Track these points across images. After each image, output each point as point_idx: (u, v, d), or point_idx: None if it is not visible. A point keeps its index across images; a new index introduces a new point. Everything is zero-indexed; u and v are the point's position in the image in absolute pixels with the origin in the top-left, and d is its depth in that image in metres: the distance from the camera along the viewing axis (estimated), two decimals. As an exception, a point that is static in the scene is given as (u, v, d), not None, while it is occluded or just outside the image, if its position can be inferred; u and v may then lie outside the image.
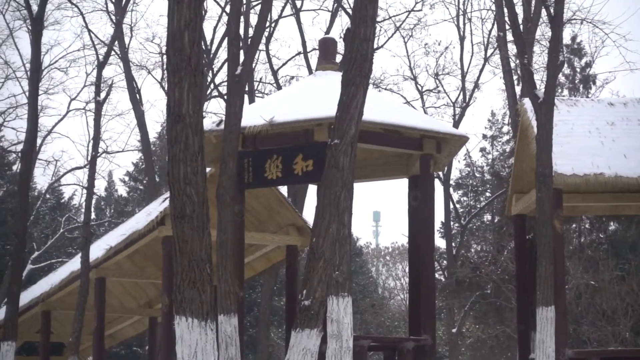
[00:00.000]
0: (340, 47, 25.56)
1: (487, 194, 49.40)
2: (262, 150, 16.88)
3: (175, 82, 8.19)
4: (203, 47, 33.89)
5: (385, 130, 16.67)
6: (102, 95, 21.64)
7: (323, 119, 16.23)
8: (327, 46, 18.80)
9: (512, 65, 27.11)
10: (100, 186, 53.73)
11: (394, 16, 34.57)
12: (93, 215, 53.02)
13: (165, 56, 35.38)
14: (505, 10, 21.46)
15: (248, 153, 16.85)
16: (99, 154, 38.09)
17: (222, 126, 16.69)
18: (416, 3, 34.53)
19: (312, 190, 31.40)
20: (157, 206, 20.82)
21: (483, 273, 32.71)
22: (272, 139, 16.68)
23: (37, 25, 17.70)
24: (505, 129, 48.59)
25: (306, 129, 16.51)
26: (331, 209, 8.98)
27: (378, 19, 34.02)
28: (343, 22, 47.15)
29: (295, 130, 16.59)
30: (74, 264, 24.61)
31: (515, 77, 27.26)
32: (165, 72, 31.91)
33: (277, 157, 16.85)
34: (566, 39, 35.97)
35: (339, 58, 21.78)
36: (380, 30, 34.53)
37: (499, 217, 46.03)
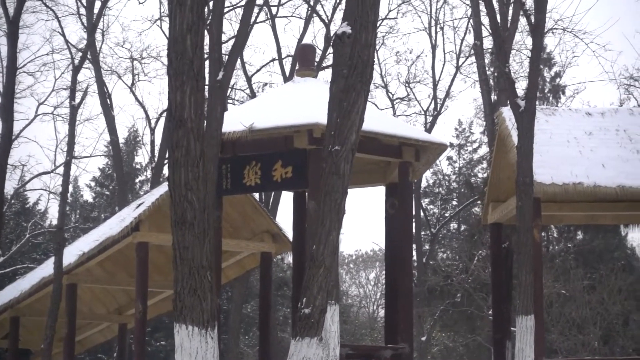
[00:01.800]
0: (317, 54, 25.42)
1: (454, 203, 49.61)
2: (241, 157, 16.76)
3: (177, 86, 8.05)
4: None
5: (364, 137, 16.52)
6: (77, 99, 21.41)
7: (303, 125, 16.17)
8: (305, 53, 18.74)
9: (489, 73, 27.15)
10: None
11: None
12: (57, 221, 52.58)
13: (135, 61, 35.34)
14: (484, 19, 21.46)
15: (226, 159, 16.71)
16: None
17: (201, 132, 16.56)
18: (389, 11, 34.56)
19: (285, 196, 31.30)
20: (131, 212, 20.59)
21: (455, 281, 32.73)
22: (251, 145, 16.55)
23: (13, 27, 17.50)
24: (473, 137, 48.82)
25: (286, 136, 16.41)
26: (332, 216, 8.90)
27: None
28: (316, 29, 47.04)
29: (274, 137, 16.48)
30: (44, 269, 24.29)
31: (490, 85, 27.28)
32: (135, 75, 31.42)
33: (255, 164, 16.74)
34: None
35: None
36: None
37: (465, 225, 46.25)
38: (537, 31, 15.52)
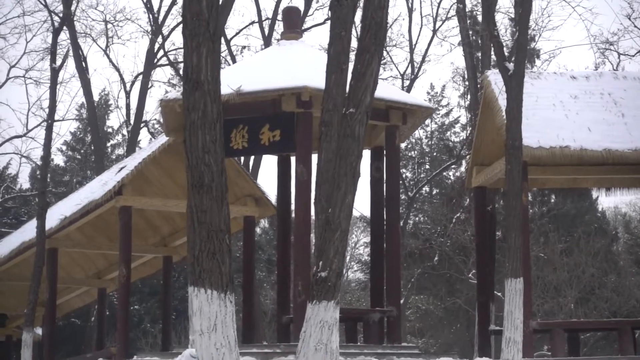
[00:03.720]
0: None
1: (427, 166, 49.73)
2: (228, 120, 16.42)
3: (193, 47, 7.93)
4: (154, 13, 33.46)
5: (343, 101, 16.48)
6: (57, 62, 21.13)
7: (291, 88, 16.07)
8: (290, 15, 18.58)
9: (472, 37, 27.05)
10: (36, 155, 53.03)
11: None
12: (28, 185, 52.29)
13: (108, 24, 34.95)
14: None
15: (213, 122, 16.53)
16: (40, 123, 37.54)
17: (187, 95, 16.42)
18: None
19: (267, 160, 31.17)
20: (113, 176, 20.44)
21: (434, 245, 32.83)
22: (238, 108, 16.41)
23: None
24: (445, 101, 48.90)
25: (273, 99, 16.30)
26: (347, 179, 8.85)
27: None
28: (293, -9, 46.73)
29: (262, 100, 16.37)
30: (22, 234, 24.15)
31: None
32: (109, 37, 31.11)
33: (243, 127, 16.64)
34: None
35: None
36: (329, 2, 34.32)
37: (438, 189, 46.39)
38: (527, -7, 15.44)
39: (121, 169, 20.52)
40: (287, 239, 19.04)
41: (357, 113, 8.96)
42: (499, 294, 26.04)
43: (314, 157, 16.35)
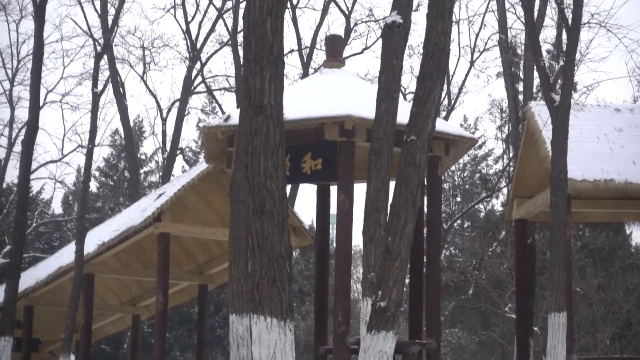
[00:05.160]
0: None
1: (458, 199, 49.52)
2: (270, 148, 16.51)
3: (257, 71, 7.84)
4: (193, 40, 33.58)
5: (397, 130, 16.39)
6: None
7: (334, 117, 15.96)
8: (333, 43, 18.52)
9: (513, 68, 26.97)
10: (70, 180, 53.22)
11: (381, 19, 34.23)
12: (61, 210, 52.45)
13: (145, 50, 35.12)
14: (516, 12, 20.94)
15: (255, 150, 16.46)
16: (75, 148, 37.71)
17: (230, 121, 16.38)
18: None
19: (303, 189, 31.07)
20: (152, 202, 20.39)
21: (470, 278, 32.56)
22: (281, 136, 16.31)
23: (40, 11, 17.07)
24: (478, 133, 48.74)
25: (316, 127, 16.19)
26: (407, 208, 8.73)
27: (365, 19, 33.90)
28: (330, 20, 46.78)
29: (304, 128, 16.26)
30: (59, 259, 24.12)
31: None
32: (146, 64, 31.19)
33: (285, 155, 16.50)
34: (547, 45, 36.00)
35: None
36: (367, 31, 34.46)
37: (469, 221, 46.09)
38: (575, 25, 15.33)
39: (160, 195, 20.48)
40: (325, 268, 18.88)
41: (419, 140, 8.87)
42: (535, 328, 25.75)
43: (356, 187, 16.32)
